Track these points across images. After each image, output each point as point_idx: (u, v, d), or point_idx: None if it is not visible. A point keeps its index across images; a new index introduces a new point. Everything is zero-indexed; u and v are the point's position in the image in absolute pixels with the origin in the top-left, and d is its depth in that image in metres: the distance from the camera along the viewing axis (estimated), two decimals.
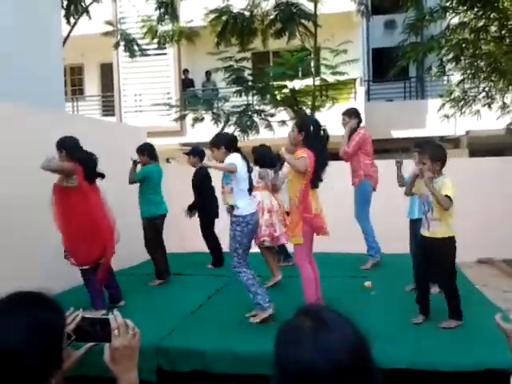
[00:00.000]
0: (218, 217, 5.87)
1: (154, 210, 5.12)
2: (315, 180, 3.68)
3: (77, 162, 4.05)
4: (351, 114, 5.40)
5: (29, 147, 4.65)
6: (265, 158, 5.00)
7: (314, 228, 3.69)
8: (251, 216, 3.74)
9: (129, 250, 5.41)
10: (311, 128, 3.64)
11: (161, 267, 5.20)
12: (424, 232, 3.61)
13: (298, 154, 3.61)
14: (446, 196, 3.41)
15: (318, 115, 10.46)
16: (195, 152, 5.86)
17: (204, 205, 5.80)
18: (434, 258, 3.58)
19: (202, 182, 5.74)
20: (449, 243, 3.53)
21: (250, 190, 3.93)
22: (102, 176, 4.29)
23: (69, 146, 4.09)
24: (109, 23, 12.95)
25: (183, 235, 7.38)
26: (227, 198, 3.77)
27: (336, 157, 5.46)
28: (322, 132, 3.74)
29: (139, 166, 5.22)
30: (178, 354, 3.28)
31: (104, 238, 4.10)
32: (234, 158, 3.72)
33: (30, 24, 5.89)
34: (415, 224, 4.36)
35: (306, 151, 3.58)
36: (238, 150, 3.84)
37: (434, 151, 3.55)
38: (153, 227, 5.13)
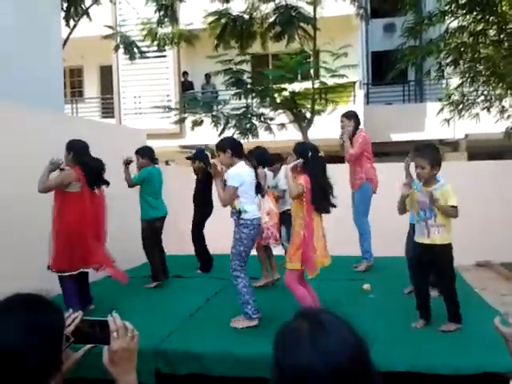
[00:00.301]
0: (206, 220, 5.92)
1: (152, 212, 5.10)
2: (317, 203, 3.60)
3: (79, 166, 4.06)
4: (350, 116, 5.38)
5: (29, 148, 4.65)
6: (262, 158, 5.03)
7: (303, 261, 3.57)
8: (257, 220, 3.78)
9: (128, 252, 5.40)
10: (309, 154, 3.62)
11: (157, 270, 5.19)
12: (423, 239, 3.53)
13: (298, 180, 3.61)
14: (453, 206, 3.41)
15: (318, 119, 10.51)
16: (196, 157, 5.90)
17: (201, 205, 5.82)
18: (434, 264, 3.57)
19: (205, 183, 5.76)
20: (449, 248, 3.53)
21: (259, 190, 3.97)
22: (107, 183, 4.29)
23: (76, 149, 4.10)
24: (109, 27, 12.98)
25: (182, 237, 7.37)
26: (235, 203, 3.77)
27: (336, 159, 5.48)
28: (320, 160, 3.71)
29: (134, 168, 5.20)
30: (176, 356, 3.27)
31: (89, 249, 4.09)
32: (238, 170, 3.71)
33: (29, 24, 5.89)
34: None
35: (303, 178, 3.56)
36: (242, 155, 3.86)
37: (434, 156, 3.53)
38: (151, 230, 5.11)
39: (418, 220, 3.57)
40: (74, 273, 4.07)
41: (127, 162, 5.08)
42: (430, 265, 3.60)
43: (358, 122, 5.41)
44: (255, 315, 3.71)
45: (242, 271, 3.71)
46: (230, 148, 3.79)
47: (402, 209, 3.71)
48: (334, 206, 3.70)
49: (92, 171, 4.13)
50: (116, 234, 4.76)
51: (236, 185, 3.66)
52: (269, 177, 5.19)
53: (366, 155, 5.36)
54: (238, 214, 3.72)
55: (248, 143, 10.31)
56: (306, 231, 3.55)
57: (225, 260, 5.75)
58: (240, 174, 3.71)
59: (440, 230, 3.47)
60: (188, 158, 6.05)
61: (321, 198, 3.62)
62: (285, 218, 5.52)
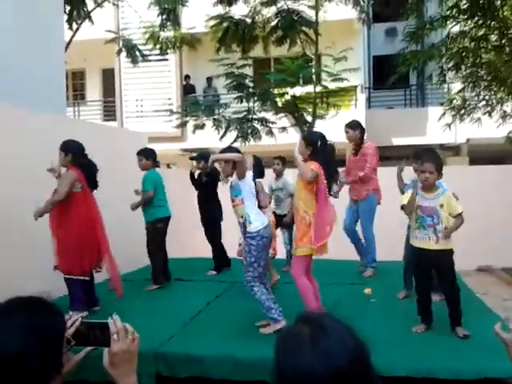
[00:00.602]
0: (222, 219, 5.89)
1: (158, 213, 5.10)
2: (328, 190, 3.70)
3: (79, 167, 4.07)
4: (355, 126, 5.32)
5: (29, 149, 4.66)
6: (258, 169, 5.05)
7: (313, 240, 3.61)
8: (264, 229, 3.69)
9: (129, 255, 5.40)
10: (318, 143, 3.66)
11: (158, 273, 5.18)
12: (430, 245, 3.49)
13: (308, 165, 3.62)
14: (459, 214, 3.45)
15: (320, 123, 10.52)
16: (201, 157, 5.92)
17: (208, 208, 5.81)
18: (437, 270, 3.55)
19: (209, 182, 5.75)
20: (452, 253, 3.54)
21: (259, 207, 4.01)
22: (96, 186, 4.32)
23: (74, 151, 4.10)
24: (111, 31, 13.03)
25: (183, 240, 7.38)
26: (239, 210, 3.75)
27: (341, 163, 5.48)
28: (328, 146, 3.76)
29: (133, 169, 5.21)
30: (177, 359, 3.27)
31: (98, 247, 4.13)
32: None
33: (30, 24, 5.87)
34: None
35: (314, 164, 3.59)
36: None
37: (439, 161, 3.54)
38: (156, 231, 5.12)
39: (424, 225, 3.50)
40: (86, 278, 4.12)
41: (138, 192, 5.12)
42: (431, 270, 3.58)
43: (363, 131, 5.38)
44: (280, 317, 3.59)
45: (255, 281, 3.66)
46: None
47: (410, 210, 3.60)
48: (330, 193, 3.76)
49: (90, 172, 4.16)
50: (117, 236, 4.76)
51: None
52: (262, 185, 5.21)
53: (373, 168, 5.35)
54: (243, 222, 3.69)
55: (249, 147, 10.35)
56: (316, 217, 3.58)
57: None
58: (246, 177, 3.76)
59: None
60: (192, 158, 6.10)
61: (329, 185, 3.69)
62: (282, 222, 5.58)
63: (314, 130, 3.56)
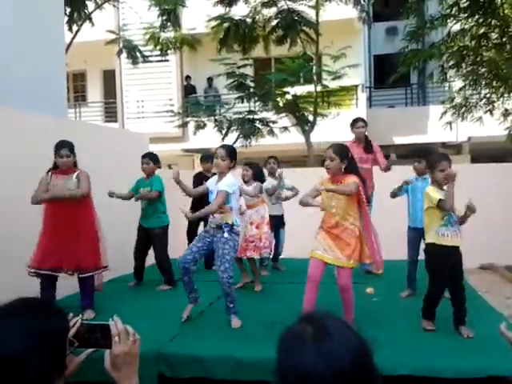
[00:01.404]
0: None
1: (166, 219, 5.14)
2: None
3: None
4: (366, 122, 5.44)
5: (30, 149, 4.66)
6: (258, 174, 5.12)
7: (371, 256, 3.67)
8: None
9: (127, 257, 5.39)
10: (349, 155, 3.65)
11: (172, 274, 5.19)
12: (455, 242, 3.47)
13: (348, 180, 3.57)
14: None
15: (322, 122, 10.52)
16: (207, 158, 5.95)
17: None
18: (454, 268, 3.50)
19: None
20: None
21: None
22: None
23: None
24: (112, 32, 13.04)
25: (184, 241, 7.37)
26: (226, 217, 3.77)
27: None
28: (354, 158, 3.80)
29: (135, 172, 5.20)
30: (179, 360, 3.27)
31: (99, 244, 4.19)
32: (233, 180, 3.79)
33: (30, 24, 5.84)
34: (416, 233, 4.34)
35: (352, 176, 3.56)
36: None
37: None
38: (164, 236, 5.14)
39: (451, 222, 3.47)
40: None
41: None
42: (455, 268, 3.51)
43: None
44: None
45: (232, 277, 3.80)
46: (235, 160, 3.85)
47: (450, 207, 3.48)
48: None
49: None
50: (115, 237, 4.75)
51: (230, 191, 3.71)
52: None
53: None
54: (230, 226, 3.73)
55: (251, 147, 10.35)
56: (365, 228, 3.63)
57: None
58: (235, 183, 3.80)
59: (460, 233, 3.51)
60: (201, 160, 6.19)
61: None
62: (282, 222, 5.58)
63: (340, 143, 3.61)
